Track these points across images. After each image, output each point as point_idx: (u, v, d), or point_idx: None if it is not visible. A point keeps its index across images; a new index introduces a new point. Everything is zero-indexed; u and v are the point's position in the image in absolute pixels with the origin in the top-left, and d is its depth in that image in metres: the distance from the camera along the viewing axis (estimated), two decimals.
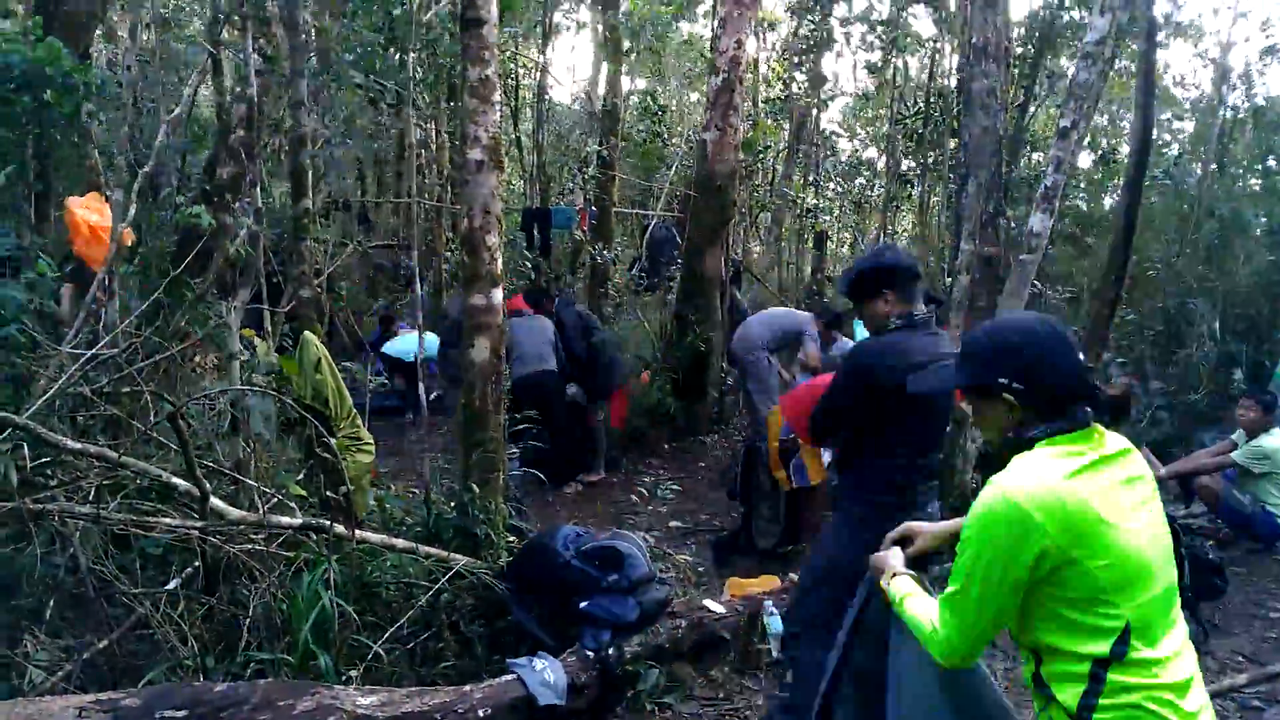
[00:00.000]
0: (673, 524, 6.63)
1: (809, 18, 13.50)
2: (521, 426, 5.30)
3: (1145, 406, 8.76)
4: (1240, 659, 4.54)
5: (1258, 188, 13.05)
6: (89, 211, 6.18)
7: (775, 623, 4.12)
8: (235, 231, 4.74)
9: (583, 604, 3.82)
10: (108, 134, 7.17)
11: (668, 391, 8.46)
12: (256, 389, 3.84)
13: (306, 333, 4.92)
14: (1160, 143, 14.30)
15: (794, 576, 4.89)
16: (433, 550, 4.09)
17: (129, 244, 5.05)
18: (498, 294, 4.52)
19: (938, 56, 14.07)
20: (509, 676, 3.49)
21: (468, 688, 3.43)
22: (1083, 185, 14.66)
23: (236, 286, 5.00)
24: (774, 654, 4.10)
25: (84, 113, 4.95)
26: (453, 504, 4.46)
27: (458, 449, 4.70)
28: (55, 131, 5.30)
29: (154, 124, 7.90)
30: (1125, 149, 13.05)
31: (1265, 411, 6.04)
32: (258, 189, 5.06)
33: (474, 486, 4.35)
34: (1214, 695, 4.04)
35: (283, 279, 5.91)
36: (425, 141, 11.18)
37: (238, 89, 5.06)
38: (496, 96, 4.50)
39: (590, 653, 3.66)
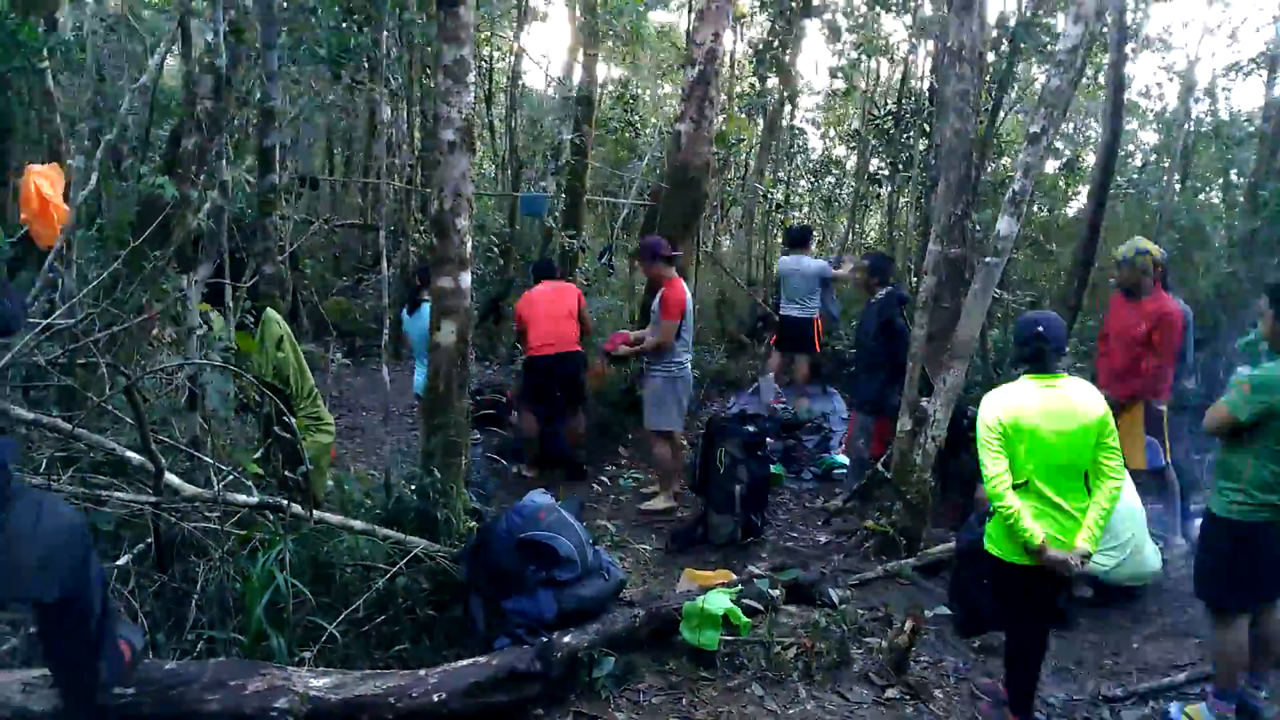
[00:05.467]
0: (633, 513, 6.63)
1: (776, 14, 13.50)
2: None
3: None
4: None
5: (1218, 201, 13.28)
6: (45, 181, 6.00)
7: None
8: (198, 204, 4.66)
9: (506, 603, 3.77)
10: (70, 99, 7.01)
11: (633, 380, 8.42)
12: (215, 364, 3.78)
13: (269, 310, 4.85)
14: (1124, 152, 14.50)
15: (752, 569, 4.92)
16: (391, 533, 4.06)
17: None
18: (466, 277, 4.49)
19: (910, 59, 14.12)
20: (466, 661, 3.47)
21: (422, 672, 3.41)
22: (1044, 192, 14.81)
23: (198, 261, 4.92)
24: None
25: (46, 75, 4.82)
26: (413, 487, 4.43)
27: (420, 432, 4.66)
28: (16, 94, 5.16)
29: (119, 92, 7.74)
30: (1089, 157, 13.22)
31: None
32: (224, 162, 4.98)
33: (435, 470, 4.32)
34: (1155, 693, 4.16)
35: (246, 254, 5.82)
36: (395, 121, 11.05)
37: (205, 59, 4.96)
38: (471, 78, 4.47)
39: (526, 645, 3.63)
